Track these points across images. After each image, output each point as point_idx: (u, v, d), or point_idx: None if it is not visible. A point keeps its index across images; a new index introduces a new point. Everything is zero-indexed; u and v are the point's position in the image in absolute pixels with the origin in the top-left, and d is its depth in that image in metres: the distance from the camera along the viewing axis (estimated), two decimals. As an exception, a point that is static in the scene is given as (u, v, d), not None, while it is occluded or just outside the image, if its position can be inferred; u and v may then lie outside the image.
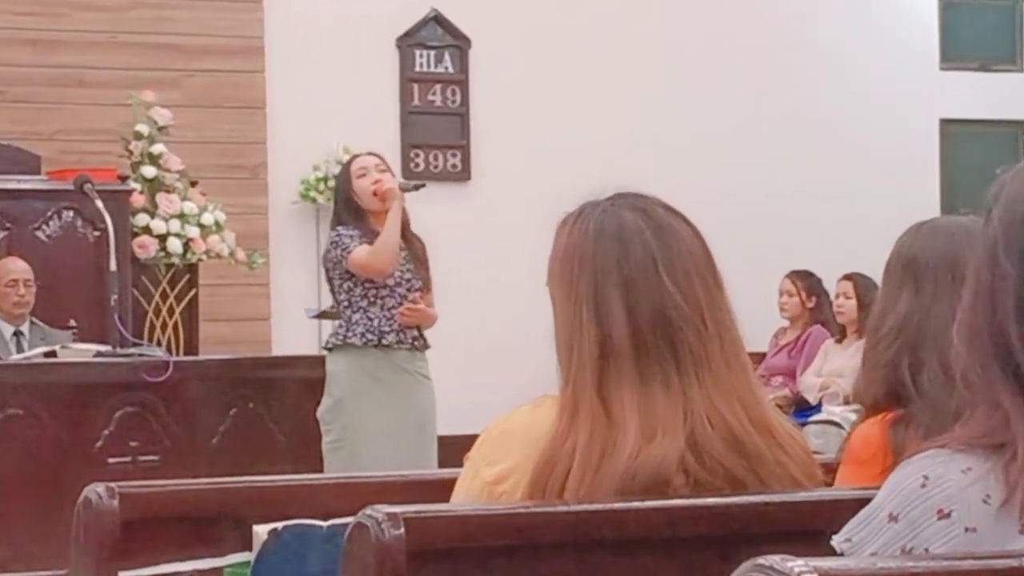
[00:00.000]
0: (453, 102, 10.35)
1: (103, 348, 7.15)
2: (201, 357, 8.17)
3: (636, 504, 2.27)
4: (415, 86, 10.30)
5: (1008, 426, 1.67)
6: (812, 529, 2.15)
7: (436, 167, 10.23)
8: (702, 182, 9.87)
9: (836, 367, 8.87)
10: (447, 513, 2.25)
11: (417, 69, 10.31)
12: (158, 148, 8.78)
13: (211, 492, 2.78)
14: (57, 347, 7.26)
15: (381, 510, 2.13)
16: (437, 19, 10.32)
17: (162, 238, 8.66)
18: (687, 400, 2.36)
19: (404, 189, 6.72)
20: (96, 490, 2.62)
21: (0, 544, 6.49)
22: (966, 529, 1.64)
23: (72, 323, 8.02)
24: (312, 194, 9.83)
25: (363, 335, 6.62)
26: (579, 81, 10.38)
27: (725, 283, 2.46)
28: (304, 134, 9.81)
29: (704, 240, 2.47)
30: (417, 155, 10.25)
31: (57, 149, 9.05)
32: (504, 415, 2.49)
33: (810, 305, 9.45)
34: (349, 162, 6.93)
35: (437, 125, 10.30)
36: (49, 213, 8.34)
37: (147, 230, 8.64)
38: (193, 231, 8.73)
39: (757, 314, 8.43)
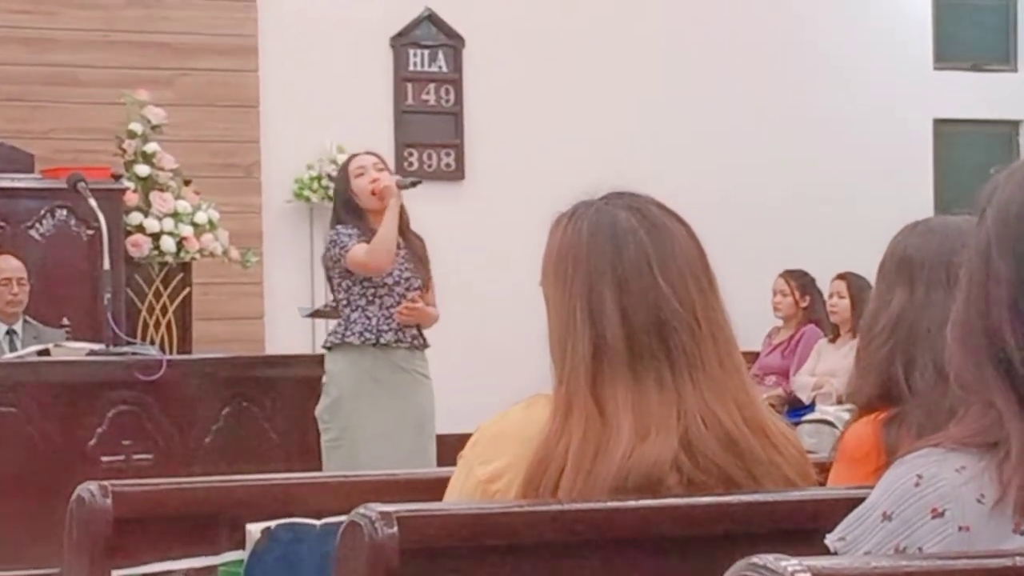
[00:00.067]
0: (447, 101, 10.35)
1: (96, 347, 7.15)
2: (194, 356, 8.17)
3: (630, 504, 2.27)
4: (409, 85, 10.30)
5: (1002, 425, 1.67)
6: (806, 528, 2.15)
7: (430, 166, 10.23)
8: (700, 183, 9.87)
9: (829, 366, 8.88)
10: (440, 512, 2.25)
11: (411, 68, 10.30)
12: (152, 147, 8.78)
13: (204, 491, 2.77)
14: (50, 346, 7.26)
15: (374, 509, 2.13)
16: (431, 18, 10.31)
17: (156, 237, 8.65)
18: (681, 400, 2.36)
19: (401, 186, 6.72)
20: (89, 488, 2.62)
21: (-7, 543, 6.49)
22: (960, 528, 1.64)
23: (65, 322, 8.01)
24: (306, 193, 9.83)
25: (361, 334, 6.62)
26: (574, 81, 10.38)
27: (719, 283, 2.46)
28: (298, 133, 9.80)
29: (698, 239, 2.46)
30: (411, 154, 10.24)
31: (51, 148, 9.04)
32: (498, 414, 2.49)
33: (803, 304, 9.45)
34: (347, 161, 6.94)
35: (431, 124, 10.30)
36: (42, 212, 8.33)
37: (141, 229, 8.64)
38: (187, 230, 8.72)
39: (754, 314, 8.49)
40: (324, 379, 6.71)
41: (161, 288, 8.71)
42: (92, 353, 7.05)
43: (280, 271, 9.82)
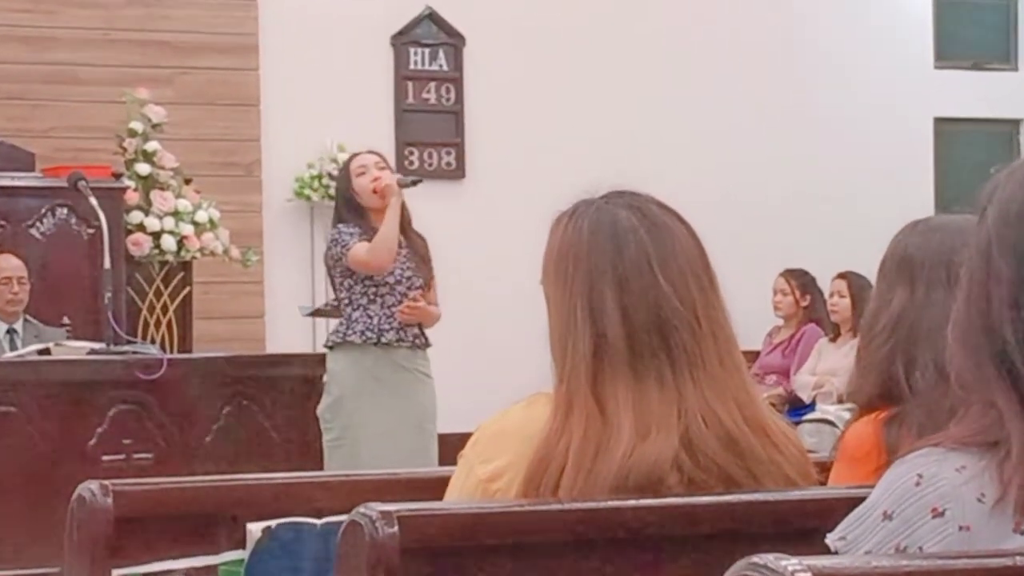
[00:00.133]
0: (447, 100, 10.34)
1: (97, 346, 7.15)
2: (195, 355, 8.17)
3: (630, 503, 2.26)
4: (409, 84, 10.29)
5: (1002, 424, 1.67)
6: (806, 528, 2.15)
7: (430, 165, 10.23)
8: (700, 181, 9.87)
9: (830, 366, 8.88)
10: (441, 511, 2.25)
11: (411, 67, 10.30)
12: (152, 145, 8.78)
13: (205, 490, 2.77)
14: (51, 345, 7.26)
15: (375, 508, 2.13)
16: (431, 17, 10.31)
17: (156, 236, 8.65)
18: (681, 399, 2.36)
19: (402, 184, 6.73)
20: (90, 488, 2.62)
21: (-6, 542, 6.49)
22: (960, 528, 1.64)
23: (66, 321, 8.01)
24: (306, 192, 9.83)
25: (363, 333, 6.63)
26: (574, 79, 10.38)
27: (719, 281, 2.46)
28: (298, 132, 9.80)
29: (699, 238, 2.46)
30: (411, 153, 10.24)
31: (51, 146, 9.04)
32: (498, 413, 2.49)
33: (804, 304, 9.45)
34: (349, 160, 6.94)
35: (431, 123, 10.30)
36: (43, 210, 8.33)
37: (141, 228, 8.63)
38: (187, 229, 8.72)
39: (754, 313, 8.49)
40: (325, 378, 6.71)
41: (162, 287, 8.71)
42: (93, 352, 7.05)
43: (281, 270, 9.82)
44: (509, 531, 2.21)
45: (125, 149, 8.79)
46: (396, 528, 2.11)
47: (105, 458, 6.73)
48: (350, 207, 6.73)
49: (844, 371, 7.95)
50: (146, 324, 8.60)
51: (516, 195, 9.84)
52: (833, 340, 9.07)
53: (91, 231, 8.22)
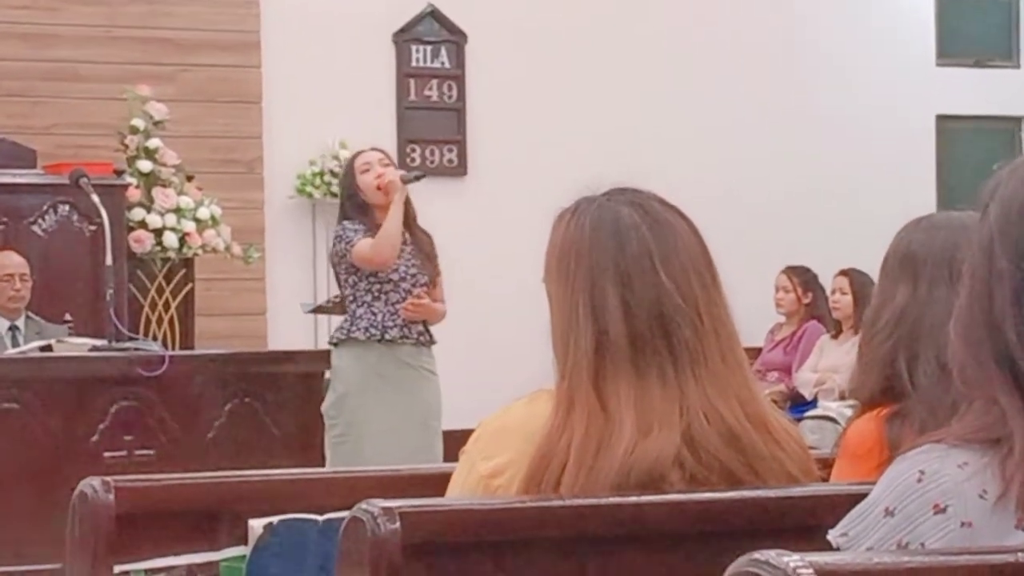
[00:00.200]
0: (449, 97, 10.34)
1: (99, 342, 7.15)
2: (197, 352, 8.17)
3: (632, 499, 2.26)
4: (411, 81, 10.29)
5: (1004, 421, 1.67)
6: (808, 524, 2.15)
7: (432, 162, 10.22)
8: (703, 179, 9.87)
9: (832, 362, 8.88)
10: (442, 508, 2.25)
11: (413, 64, 10.30)
12: (154, 143, 8.78)
13: (207, 486, 2.78)
14: (53, 341, 7.26)
15: (377, 504, 2.13)
16: (433, 14, 10.31)
17: (158, 232, 8.65)
18: (683, 395, 2.36)
19: (405, 180, 6.73)
20: (91, 484, 2.62)
21: (-5, 538, 6.49)
22: (962, 524, 1.64)
23: (68, 317, 8.00)
24: (308, 189, 9.83)
25: (367, 330, 6.63)
26: (576, 77, 10.38)
27: (721, 278, 2.45)
28: (300, 129, 9.80)
29: (701, 235, 2.46)
30: (413, 150, 10.24)
31: (52, 143, 9.05)
32: (500, 410, 2.49)
33: (806, 301, 9.44)
34: (353, 158, 6.94)
35: (433, 120, 10.30)
36: (45, 207, 8.34)
37: (143, 224, 8.64)
38: (189, 226, 8.72)
39: (756, 310, 8.48)
40: (329, 375, 6.71)
41: (163, 284, 8.72)
42: (94, 349, 7.05)
43: (282, 267, 9.83)
44: (511, 527, 2.21)
45: (127, 146, 8.80)
46: (398, 524, 2.11)
47: (107, 455, 6.73)
48: (354, 204, 6.74)
49: (846, 368, 7.95)
50: (148, 321, 8.60)
51: (518, 192, 9.84)
52: (835, 337, 9.07)
53: (93, 228, 8.22)
